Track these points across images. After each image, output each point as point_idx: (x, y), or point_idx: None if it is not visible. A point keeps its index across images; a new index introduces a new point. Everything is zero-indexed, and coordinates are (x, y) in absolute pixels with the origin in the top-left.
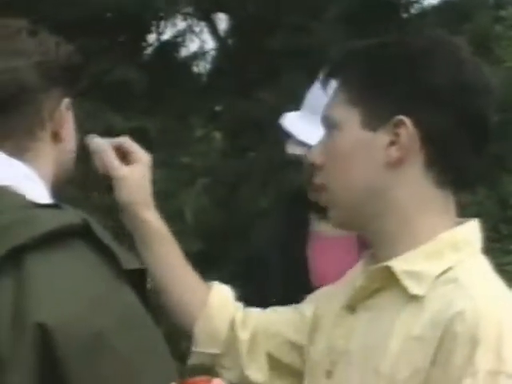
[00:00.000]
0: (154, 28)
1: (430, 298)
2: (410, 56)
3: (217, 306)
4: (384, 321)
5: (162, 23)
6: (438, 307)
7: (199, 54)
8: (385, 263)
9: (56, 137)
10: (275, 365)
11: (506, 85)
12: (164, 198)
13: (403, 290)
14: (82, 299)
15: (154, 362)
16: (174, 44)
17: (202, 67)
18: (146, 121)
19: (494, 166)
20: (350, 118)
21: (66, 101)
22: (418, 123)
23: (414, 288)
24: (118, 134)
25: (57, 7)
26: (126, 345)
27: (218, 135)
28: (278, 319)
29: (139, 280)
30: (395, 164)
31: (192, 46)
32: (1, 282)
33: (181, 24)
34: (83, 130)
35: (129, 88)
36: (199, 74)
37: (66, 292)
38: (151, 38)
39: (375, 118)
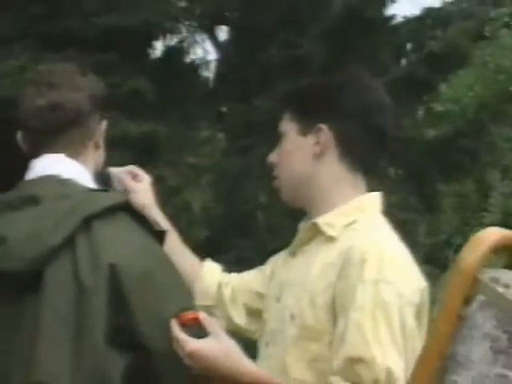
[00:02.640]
0: (159, 41)
1: (339, 239)
2: (328, 86)
3: (208, 272)
4: (311, 257)
5: (168, 36)
6: (343, 244)
7: (202, 63)
8: (312, 220)
9: (96, 146)
10: (250, 311)
11: (480, 85)
12: (174, 193)
13: (323, 236)
14: (133, 248)
15: (180, 289)
16: (178, 51)
17: (205, 75)
18: (156, 126)
19: (477, 161)
20: (290, 129)
21: (105, 122)
22: (332, 129)
23: (329, 232)
24: (132, 139)
25: (77, 26)
26: (163, 276)
27: (221, 136)
28: (249, 278)
29: (161, 238)
30: (318, 156)
31: (195, 56)
32: (79, 239)
33: (184, 35)
34: (105, 136)
35: (139, 97)
36: (203, 81)
37: (122, 244)
38: (157, 48)
39: (305, 128)
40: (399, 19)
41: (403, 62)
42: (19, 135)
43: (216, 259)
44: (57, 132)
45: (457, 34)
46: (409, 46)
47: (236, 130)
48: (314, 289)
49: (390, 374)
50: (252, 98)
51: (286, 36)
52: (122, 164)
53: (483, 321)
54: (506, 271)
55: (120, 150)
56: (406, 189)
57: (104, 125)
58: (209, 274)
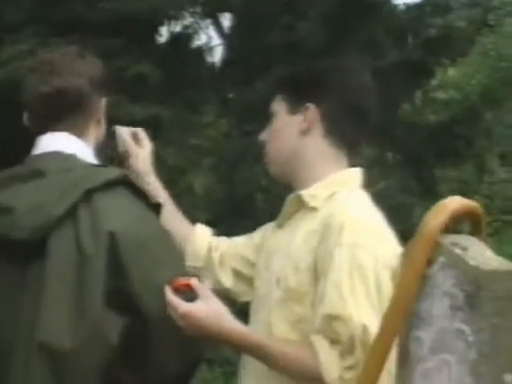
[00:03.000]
0: (165, 27)
1: (321, 209)
2: (316, 69)
3: (199, 235)
4: (296, 227)
5: (173, 23)
6: (324, 213)
7: (207, 48)
8: (296, 193)
9: (98, 122)
10: (237, 274)
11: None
12: (177, 175)
13: (306, 207)
14: (131, 217)
15: (174, 257)
16: (183, 37)
17: (210, 60)
18: (161, 109)
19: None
20: (281, 109)
21: (104, 99)
22: (318, 108)
23: (312, 203)
24: (137, 121)
25: (84, 11)
26: (158, 245)
27: (224, 121)
28: (238, 244)
29: (157, 210)
30: (305, 133)
31: (200, 42)
32: (81, 210)
33: (189, 21)
34: (109, 117)
35: (145, 81)
36: (208, 67)
37: (121, 214)
38: (163, 34)
39: (294, 107)
40: (399, 5)
41: (402, 47)
42: (25, 116)
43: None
44: (61, 115)
45: (458, 21)
46: (408, 31)
47: (239, 114)
48: (298, 254)
49: (365, 330)
50: (255, 83)
51: (287, 20)
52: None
53: (443, 280)
54: (465, 236)
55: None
56: (405, 173)
57: (104, 102)
58: (199, 238)
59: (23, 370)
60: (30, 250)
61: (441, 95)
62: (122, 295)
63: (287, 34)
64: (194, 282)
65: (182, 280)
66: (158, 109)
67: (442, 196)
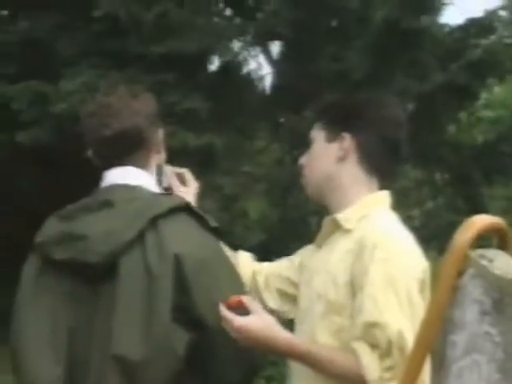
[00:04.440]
0: (215, 55)
1: (354, 230)
2: (352, 103)
3: (242, 260)
4: (333, 247)
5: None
6: (358, 233)
7: (257, 76)
8: (332, 216)
9: (158, 152)
10: (282, 294)
11: None
12: (231, 201)
13: (342, 229)
14: (194, 241)
15: (232, 276)
16: (233, 66)
17: (260, 88)
18: (214, 137)
19: None
20: (319, 136)
21: (161, 130)
22: (353, 138)
23: (346, 225)
24: (190, 150)
25: (136, 45)
26: (218, 265)
27: (276, 147)
28: (279, 266)
29: (216, 233)
30: (340, 160)
31: (249, 70)
32: (148, 235)
33: (239, 51)
34: (165, 146)
35: (195, 114)
36: (258, 94)
37: (184, 238)
38: (214, 63)
39: (332, 136)
40: (441, 28)
41: (446, 69)
42: (90, 154)
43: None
44: (124, 153)
45: (503, 40)
46: (452, 53)
47: (289, 141)
48: (336, 271)
49: (400, 335)
50: (303, 110)
51: (333, 49)
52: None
53: (473, 289)
54: (493, 250)
55: (179, 161)
56: (452, 192)
57: (161, 132)
58: (243, 262)
59: (98, 380)
60: (102, 272)
61: (487, 114)
62: (186, 311)
63: (334, 63)
64: (245, 299)
65: (235, 298)
66: (211, 137)
67: (492, 215)
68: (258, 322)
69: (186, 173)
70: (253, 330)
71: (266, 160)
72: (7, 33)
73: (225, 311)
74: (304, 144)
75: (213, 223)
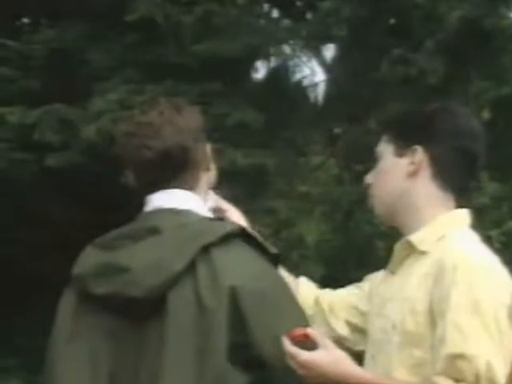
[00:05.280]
0: (263, 62)
1: (431, 252)
2: (424, 112)
3: (304, 287)
4: (408, 271)
5: (272, 59)
6: (435, 256)
7: (310, 84)
8: (406, 238)
9: (207, 170)
10: (349, 324)
11: None
12: (285, 225)
13: (417, 251)
14: (251, 270)
15: (294, 308)
16: (283, 72)
17: (313, 96)
18: (264, 155)
19: None
20: (387, 151)
21: (209, 145)
22: (426, 151)
23: (422, 247)
24: (239, 170)
25: (175, 54)
26: (278, 297)
27: (333, 162)
28: (346, 293)
29: (275, 260)
30: (412, 175)
31: (301, 76)
32: (199, 265)
33: (289, 55)
34: (216, 162)
35: (246, 128)
36: (312, 104)
37: (240, 267)
38: (261, 70)
39: (401, 149)
40: None
41: None
42: (128, 177)
43: None
44: (168, 178)
45: None
46: None
47: (348, 155)
48: (413, 298)
49: (489, 367)
50: (364, 120)
51: (399, 52)
52: (231, 198)
53: None
54: None
55: (228, 182)
56: None
57: (209, 148)
58: (305, 291)
59: None
60: (149, 308)
61: None
62: (244, 350)
63: (399, 67)
64: (311, 331)
65: (299, 330)
66: (262, 155)
67: None
68: (327, 357)
69: (229, 208)
70: (321, 365)
71: (322, 178)
72: (29, 43)
73: (289, 345)
74: (365, 159)
75: (272, 249)
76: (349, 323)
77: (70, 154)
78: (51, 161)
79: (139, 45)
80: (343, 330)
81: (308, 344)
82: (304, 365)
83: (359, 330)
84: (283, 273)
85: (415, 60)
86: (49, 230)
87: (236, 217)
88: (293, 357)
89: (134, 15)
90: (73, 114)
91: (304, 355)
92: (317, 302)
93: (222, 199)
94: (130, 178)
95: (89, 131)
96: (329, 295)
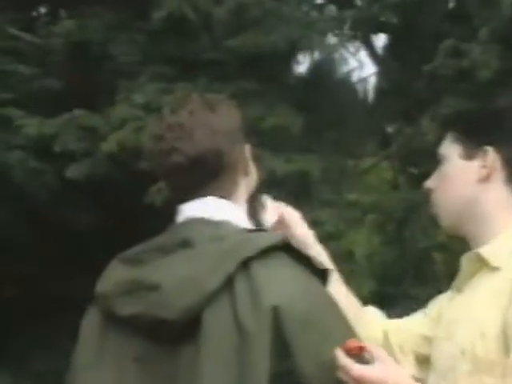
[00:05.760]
0: (305, 55)
1: (504, 267)
2: (494, 109)
3: (372, 319)
4: (478, 289)
5: (315, 51)
6: (509, 271)
7: (358, 79)
8: (475, 250)
9: (246, 173)
10: (419, 358)
11: None
12: (332, 238)
13: (488, 266)
14: (296, 288)
15: (344, 330)
16: (328, 66)
17: (362, 92)
18: (307, 160)
19: None
20: (453, 152)
21: (247, 147)
22: (498, 152)
23: (494, 262)
24: (280, 178)
25: (207, 49)
26: (327, 318)
27: (386, 166)
28: (414, 323)
29: (324, 277)
30: (484, 181)
31: (348, 70)
32: (237, 282)
33: (334, 47)
34: (257, 165)
35: (285, 130)
36: (360, 100)
37: (283, 285)
38: (303, 64)
39: (470, 151)
40: None
41: None
42: (160, 185)
43: (388, 314)
44: (202, 184)
45: None
46: None
47: (403, 158)
48: (483, 319)
49: None
50: (418, 119)
51: (454, 42)
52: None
53: None
54: None
55: (266, 191)
56: None
57: (247, 149)
58: (373, 321)
59: None
60: (181, 331)
61: None
62: (288, 377)
63: (455, 58)
64: (367, 344)
65: (355, 342)
66: (304, 160)
67: None
68: (384, 372)
69: (292, 214)
70: (377, 381)
71: (374, 183)
72: (47, 36)
73: (343, 358)
74: (422, 161)
75: (320, 265)
76: (418, 356)
77: (92, 163)
78: (72, 172)
79: (168, 37)
80: (413, 370)
81: (364, 358)
82: (358, 379)
83: (428, 362)
84: (346, 291)
85: (469, 50)
86: (72, 245)
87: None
88: (347, 370)
89: (160, 12)
90: (94, 122)
91: (359, 369)
92: (386, 338)
93: (287, 209)
94: (160, 186)
95: (110, 144)
96: (397, 326)
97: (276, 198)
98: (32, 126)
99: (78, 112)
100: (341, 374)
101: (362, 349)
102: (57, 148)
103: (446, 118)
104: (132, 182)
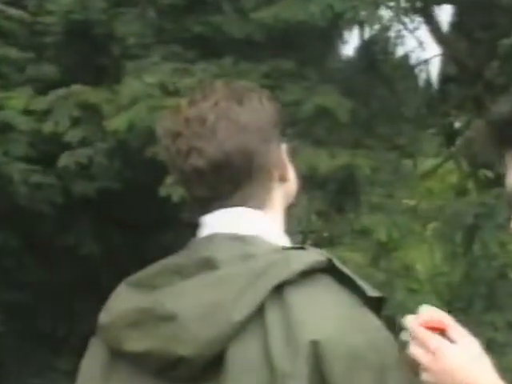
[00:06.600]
0: (351, 33)
1: None
2: None
3: None
4: None
5: (364, 28)
6: None
7: (418, 61)
8: None
9: (283, 178)
10: None
11: None
12: (386, 250)
13: None
14: (340, 319)
15: (398, 374)
16: (380, 45)
17: (423, 76)
18: (355, 155)
19: None
20: None
21: (284, 146)
22: None
23: None
24: (322, 175)
25: (229, 24)
26: (379, 356)
27: (452, 166)
28: None
29: (377, 306)
30: None
31: (405, 50)
32: (269, 311)
33: (388, 22)
34: (296, 169)
35: (328, 118)
36: (421, 87)
37: (326, 315)
38: (350, 43)
39: None
40: None
41: None
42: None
43: None
44: (228, 192)
45: None
46: None
47: (473, 156)
48: None
49: None
50: (493, 110)
51: None
52: (311, 209)
53: None
54: None
55: (306, 192)
56: None
57: (284, 148)
58: None
59: None
60: (201, 370)
61: None
62: None
63: None
64: (449, 322)
65: (435, 322)
66: (351, 156)
67: None
68: (462, 354)
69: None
70: (452, 361)
71: (437, 187)
72: (40, 14)
73: (418, 328)
74: (496, 161)
75: (370, 291)
76: None
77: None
78: (78, 188)
79: (184, 11)
80: None
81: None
82: (434, 350)
83: None
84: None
85: None
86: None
87: None
88: (424, 341)
89: None
90: (97, 100)
91: (437, 341)
92: None
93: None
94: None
95: (118, 123)
96: None
97: (317, 199)
98: (19, 100)
99: (76, 88)
100: (412, 348)
101: (442, 325)
102: (47, 128)
103: None
104: (143, 176)
